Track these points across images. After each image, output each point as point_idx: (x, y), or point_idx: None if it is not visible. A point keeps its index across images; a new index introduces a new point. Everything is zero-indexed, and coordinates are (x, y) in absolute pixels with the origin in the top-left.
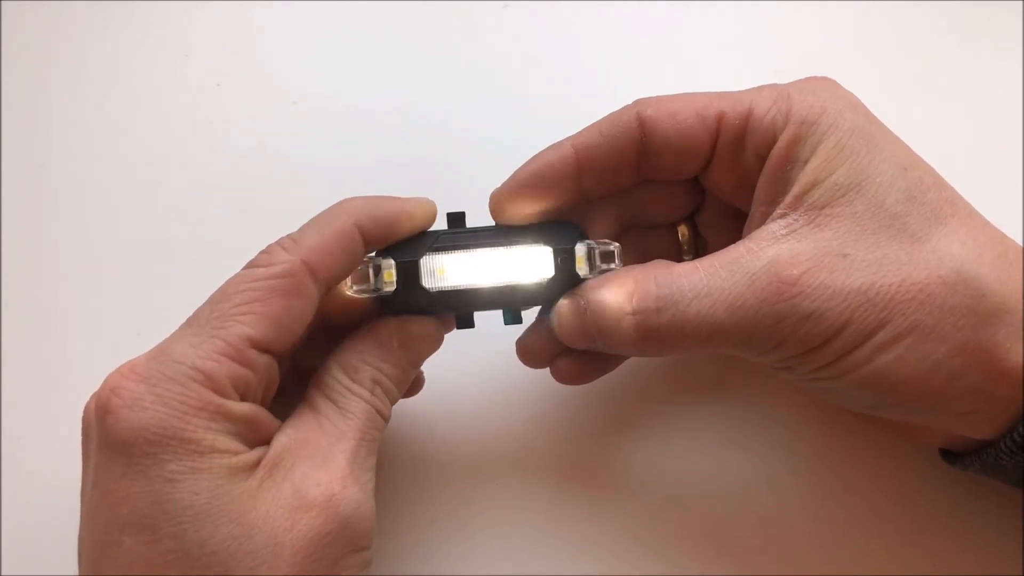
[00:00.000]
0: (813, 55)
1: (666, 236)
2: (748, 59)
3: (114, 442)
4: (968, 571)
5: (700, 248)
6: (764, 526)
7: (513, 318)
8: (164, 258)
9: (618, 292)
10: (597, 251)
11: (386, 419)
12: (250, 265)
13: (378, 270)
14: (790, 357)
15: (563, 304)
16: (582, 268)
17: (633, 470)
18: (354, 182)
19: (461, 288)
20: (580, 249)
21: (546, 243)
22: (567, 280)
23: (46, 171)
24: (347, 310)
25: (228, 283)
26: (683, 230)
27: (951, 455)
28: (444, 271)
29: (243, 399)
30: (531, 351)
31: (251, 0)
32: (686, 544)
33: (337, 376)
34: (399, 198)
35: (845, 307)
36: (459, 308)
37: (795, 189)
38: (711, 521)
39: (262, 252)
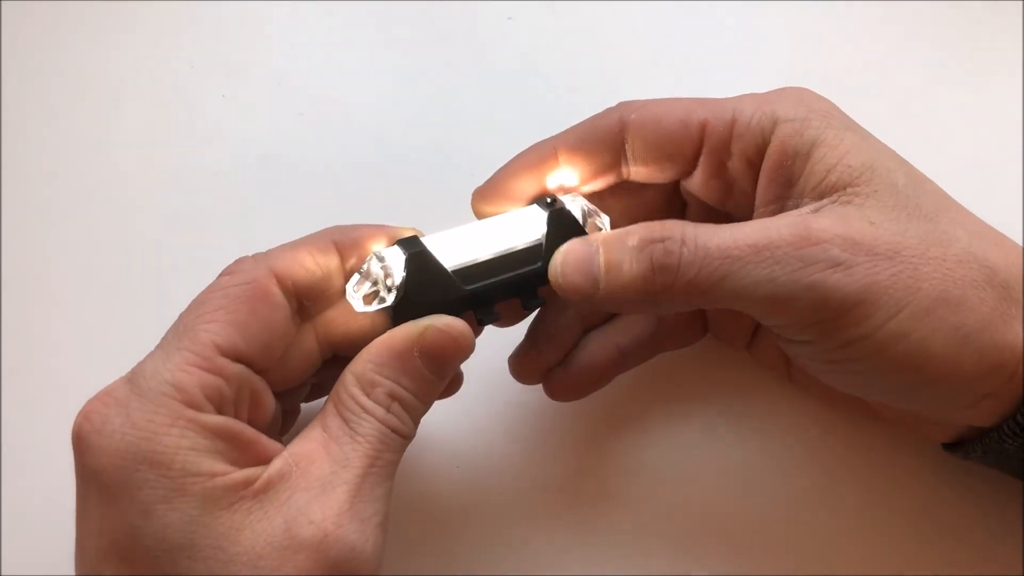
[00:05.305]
0: (812, 61)
1: None
2: (750, 71)
3: (88, 472)
4: (970, 571)
5: None
6: (767, 527)
7: (532, 299)
8: (168, 269)
9: (639, 229)
10: (588, 207)
11: (407, 437)
12: (217, 278)
13: (382, 260)
14: (816, 322)
15: (573, 244)
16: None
17: (634, 477)
18: (358, 193)
19: (470, 264)
20: (572, 205)
21: (538, 204)
22: (568, 233)
23: (51, 182)
24: (357, 334)
25: (196, 298)
26: None
27: (953, 446)
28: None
29: (218, 411)
30: (523, 367)
31: (257, 8)
32: (692, 546)
33: (352, 391)
34: (383, 225)
35: (871, 266)
36: (476, 303)
37: (811, 179)
38: (716, 523)
39: (229, 265)
